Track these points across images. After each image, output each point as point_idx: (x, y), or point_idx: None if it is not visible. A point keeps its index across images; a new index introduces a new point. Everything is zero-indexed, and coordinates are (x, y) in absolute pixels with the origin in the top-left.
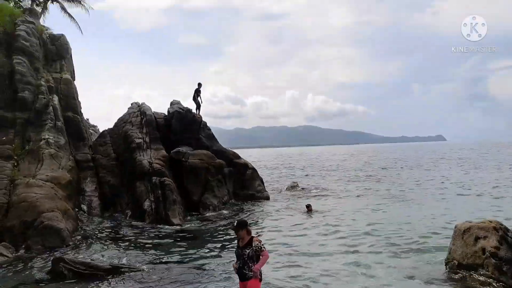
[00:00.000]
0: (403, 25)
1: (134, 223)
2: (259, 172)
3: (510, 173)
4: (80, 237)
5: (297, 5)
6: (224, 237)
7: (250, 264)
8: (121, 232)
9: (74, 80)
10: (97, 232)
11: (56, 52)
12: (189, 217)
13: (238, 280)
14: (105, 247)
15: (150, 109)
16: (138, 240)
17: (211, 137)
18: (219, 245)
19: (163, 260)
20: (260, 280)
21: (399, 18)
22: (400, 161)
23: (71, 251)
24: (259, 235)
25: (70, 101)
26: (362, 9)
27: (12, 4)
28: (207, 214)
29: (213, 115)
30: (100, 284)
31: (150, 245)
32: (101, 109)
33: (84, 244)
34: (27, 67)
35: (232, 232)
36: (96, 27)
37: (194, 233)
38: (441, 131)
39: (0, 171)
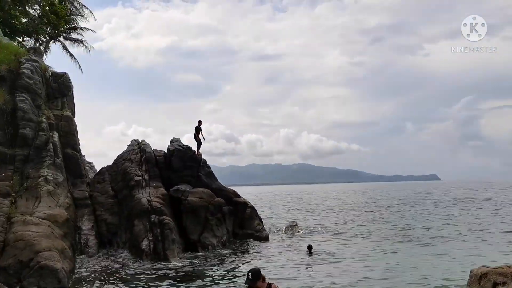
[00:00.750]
0: (395, 66)
1: (132, 263)
2: (257, 211)
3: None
4: (76, 278)
5: (292, 46)
6: (224, 278)
7: None
8: (119, 273)
9: (74, 117)
10: (94, 273)
11: (58, 89)
12: (187, 257)
13: None
14: (103, 286)
15: (150, 146)
16: (137, 281)
17: (211, 175)
18: (218, 286)
19: None
20: None
21: (392, 60)
22: (401, 200)
23: None
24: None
25: (70, 138)
26: (355, 51)
27: (16, 43)
28: (206, 254)
29: (207, 152)
30: None
31: (149, 285)
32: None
33: (81, 285)
34: (30, 104)
35: (236, 274)
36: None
37: (194, 274)
38: (435, 170)
39: None
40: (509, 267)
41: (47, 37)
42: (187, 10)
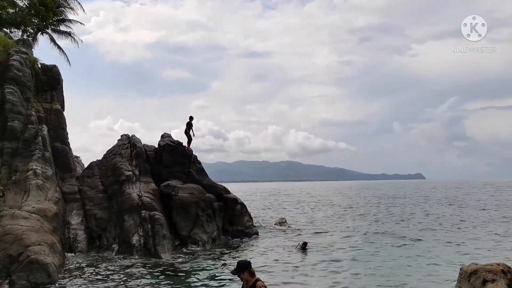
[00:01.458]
0: (383, 66)
1: (122, 258)
2: (246, 207)
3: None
4: (66, 272)
5: (281, 44)
6: (215, 274)
7: None
8: (109, 268)
9: (63, 110)
10: (83, 268)
11: (48, 82)
12: (178, 253)
13: None
14: (92, 284)
15: (140, 141)
16: (127, 276)
17: (201, 171)
18: (209, 282)
19: None
20: None
21: (380, 59)
22: (388, 198)
23: (58, 287)
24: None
25: (59, 131)
26: (344, 50)
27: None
28: (197, 250)
29: (195, 148)
30: None
31: (140, 282)
32: (81, 140)
33: (71, 281)
34: (18, 96)
35: (226, 271)
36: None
37: (184, 270)
38: (420, 170)
39: None
40: (498, 264)
41: (35, 29)
42: (176, 5)
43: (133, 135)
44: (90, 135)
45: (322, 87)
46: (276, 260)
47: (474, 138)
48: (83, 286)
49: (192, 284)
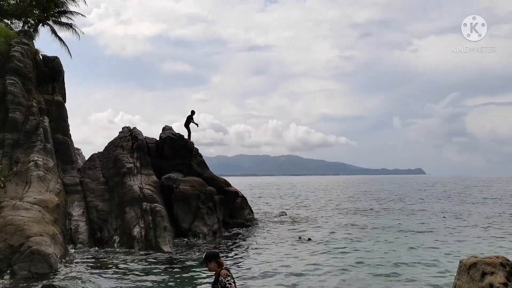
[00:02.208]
0: (384, 61)
1: (123, 250)
2: (247, 200)
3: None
4: (67, 263)
5: (282, 38)
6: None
7: None
8: (110, 259)
9: (65, 102)
10: (85, 259)
11: (49, 74)
12: (178, 245)
13: None
14: (94, 275)
15: (142, 133)
16: (128, 268)
17: (203, 164)
18: (209, 273)
19: None
20: None
21: (381, 54)
22: (389, 192)
23: (59, 278)
24: (249, 268)
25: (61, 123)
26: (345, 45)
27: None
28: (197, 242)
29: (195, 142)
30: None
31: (141, 274)
32: (82, 132)
33: (72, 272)
34: (20, 88)
35: (226, 263)
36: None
37: (185, 262)
38: (420, 165)
39: None
40: (497, 257)
41: (36, 20)
42: None
43: (134, 128)
44: (90, 128)
45: (323, 81)
46: (277, 251)
47: (474, 134)
48: (83, 277)
49: (192, 276)
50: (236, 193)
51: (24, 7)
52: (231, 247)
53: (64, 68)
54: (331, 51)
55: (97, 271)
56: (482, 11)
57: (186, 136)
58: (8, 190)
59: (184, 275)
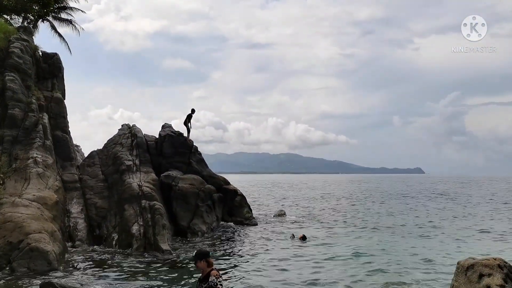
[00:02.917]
0: (385, 59)
1: (121, 247)
2: (246, 198)
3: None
4: (66, 260)
5: (282, 35)
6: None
7: None
8: (109, 257)
9: (64, 99)
10: (84, 256)
11: (49, 70)
12: (177, 243)
13: None
14: (93, 272)
15: (141, 131)
16: (126, 266)
17: (202, 161)
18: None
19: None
20: None
21: (382, 53)
22: (387, 192)
23: (58, 275)
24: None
25: (60, 120)
26: (346, 42)
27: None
28: (196, 240)
29: (195, 139)
30: None
31: (139, 271)
32: (81, 129)
33: (71, 269)
34: (19, 84)
35: (224, 260)
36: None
37: (183, 260)
38: (419, 164)
39: None
40: (495, 259)
41: (36, 16)
42: None
43: (134, 125)
44: (90, 124)
45: (323, 79)
46: (272, 249)
47: (474, 134)
48: (82, 274)
49: (192, 275)
50: (235, 191)
51: (24, 3)
52: (229, 244)
53: (64, 64)
54: (332, 49)
55: (95, 268)
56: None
57: (185, 134)
58: (7, 187)
59: (182, 273)
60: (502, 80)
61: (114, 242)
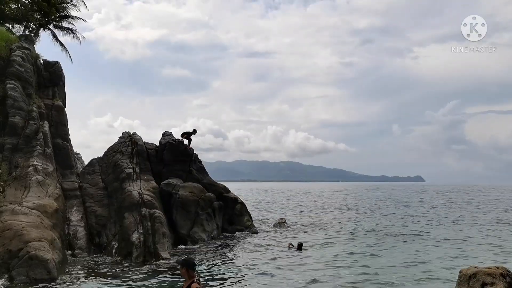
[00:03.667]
0: (384, 68)
1: (121, 255)
2: (246, 207)
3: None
4: (66, 269)
5: (283, 44)
6: (214, 273)
7: None
8: (108, 266)
9: (65, 107)
10: (83, 265)
11: (50, 78)
12: (177, 251)
13: None
14: (93, 281)
15: (141, 139)
16: (126, 275)
17: (202, 170)
18: (209, 282)
19: None
20: None
21: (381, 61)
22: (388, 200)
23: (57, 284)
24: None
25: (61, 128)
26: (345, 51)
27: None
28: (196, 248)
29: (194, 147)
30: None
31: (139, 280)
32: (81, 136)
33: (70, 277)
34: (20, 92)
35: (223, 268)
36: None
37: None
38: (420, 172)
39: None
40: (497, 268)
41: (37, 25)
42: (178, 3)
43: (134, 133)
44: (89, 132)
45: (323, 88)
46: (271, 258)
47: (473, 142)
48: (81, 283)
49: None
50: (235, 199)
51: (25, 12)
52: (229, 252)
53: (65, 72)
54: (331, 58)
55: (94, 277)
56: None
57: (185, 142)
58: (7, 195)
59: (181, 282)
60: (501, 88)
61: (114, 251)
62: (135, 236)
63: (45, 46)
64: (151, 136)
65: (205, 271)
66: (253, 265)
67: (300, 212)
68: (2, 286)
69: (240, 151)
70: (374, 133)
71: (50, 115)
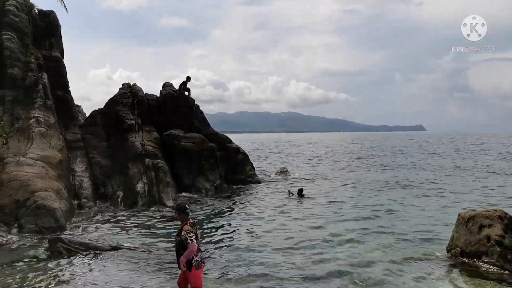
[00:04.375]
0: (387, 15)
1: (127, 205)
2: (249, 157)
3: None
4: (73, 218)
5: None
6: (217, 221)
7: (181, 253)
8: (115, 214)
9: (63, 58)
10: (90, 214)
11: (46, 29)
12: (183, 200)
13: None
14: (99, 229)
15: (142, 90)
16: (132, 222)
17: (204, 120)
18: (212, 229)
19: (160, 242)
20: (197, 267)
21: (385, 8)
22: (390, 148)
23: (66, 232)
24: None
25: (60, 79)
26: None
27: None
28: (200, 197)
29: (195, 99)
30: (100, 263)
31: (144, 228)
32: (81, 89)
33: (78, 226)
34: (17, 43)
35: (225, 216)
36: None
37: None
38: (421, 121)
39: None
40: (495, 210)
41: None
42: None
43: (134, 84)
44: (89, 84)
45: (324, 36)
46: (274, 206)
47: (476, 90)
48: (89, 231)
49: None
50: (237, 150)
51: None
52: (232, 200)
53: (60, 23)
54: (333, 5)
55: (102, 225)
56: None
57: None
58: (11, 147)
59: None
60: (506, 35)
61: (119, 200)
62: (139, 186)
63: None
64: (151, 88)
65: (208, 220)
66: (257, 212)
67: (302, 162)
68: (13, 236)
69: (241, 102)
70: (376, 82)
71: (48, 66)
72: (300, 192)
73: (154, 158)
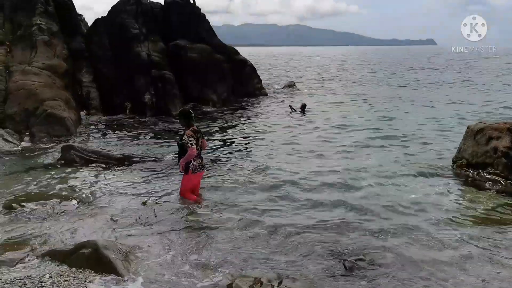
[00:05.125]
0: None
1: (135, 115)
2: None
3: None
4: (83, 127)
5: None
6: (225, 132)
7: (182, 156)
8: (124, 124)
9: None
10: (99, 124)
11: None
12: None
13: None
14: (110, 138)
15: None
16: (141, 131)
17: (210, 31)
18: (221, 138)
19: (169, 152)
20: (193, 171)
21: None
22: (401, 64)
23: (77, 140)
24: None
25: None
26: None
27: None
28: (207, 108)
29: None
30: (112, 171)
31: (156, 138)
32: None
33: (88, 135)
34: None
35: (232, 125)
36: None
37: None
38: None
39: None
40: (505, 123)
41: None
42: None
43: None
44: None
45: None
46: (277, 119)
47: (492, 4)
48: (100, 139)
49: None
50: (244, 62)
51: None
52: (238, 112)
53: None
54: None
55: (112, 135)
56: None
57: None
58: (15, 55)
59: None
60: None
61: (127, 111)
62: (147, 97)
63: None
64: None
65: (216, 133)
66: (263, 126)
67: (309, 75)
68: (26, 143)
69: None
70: None
71: None
72: (303, 108)
73: (161, 69)
